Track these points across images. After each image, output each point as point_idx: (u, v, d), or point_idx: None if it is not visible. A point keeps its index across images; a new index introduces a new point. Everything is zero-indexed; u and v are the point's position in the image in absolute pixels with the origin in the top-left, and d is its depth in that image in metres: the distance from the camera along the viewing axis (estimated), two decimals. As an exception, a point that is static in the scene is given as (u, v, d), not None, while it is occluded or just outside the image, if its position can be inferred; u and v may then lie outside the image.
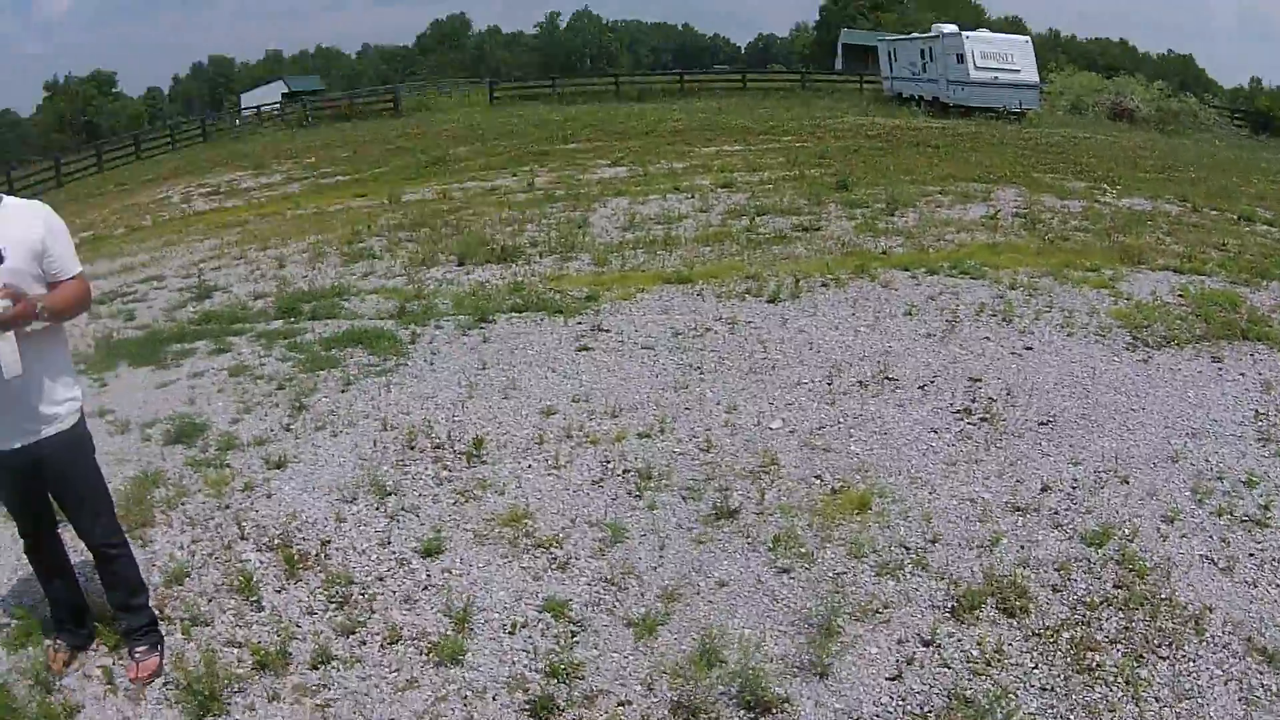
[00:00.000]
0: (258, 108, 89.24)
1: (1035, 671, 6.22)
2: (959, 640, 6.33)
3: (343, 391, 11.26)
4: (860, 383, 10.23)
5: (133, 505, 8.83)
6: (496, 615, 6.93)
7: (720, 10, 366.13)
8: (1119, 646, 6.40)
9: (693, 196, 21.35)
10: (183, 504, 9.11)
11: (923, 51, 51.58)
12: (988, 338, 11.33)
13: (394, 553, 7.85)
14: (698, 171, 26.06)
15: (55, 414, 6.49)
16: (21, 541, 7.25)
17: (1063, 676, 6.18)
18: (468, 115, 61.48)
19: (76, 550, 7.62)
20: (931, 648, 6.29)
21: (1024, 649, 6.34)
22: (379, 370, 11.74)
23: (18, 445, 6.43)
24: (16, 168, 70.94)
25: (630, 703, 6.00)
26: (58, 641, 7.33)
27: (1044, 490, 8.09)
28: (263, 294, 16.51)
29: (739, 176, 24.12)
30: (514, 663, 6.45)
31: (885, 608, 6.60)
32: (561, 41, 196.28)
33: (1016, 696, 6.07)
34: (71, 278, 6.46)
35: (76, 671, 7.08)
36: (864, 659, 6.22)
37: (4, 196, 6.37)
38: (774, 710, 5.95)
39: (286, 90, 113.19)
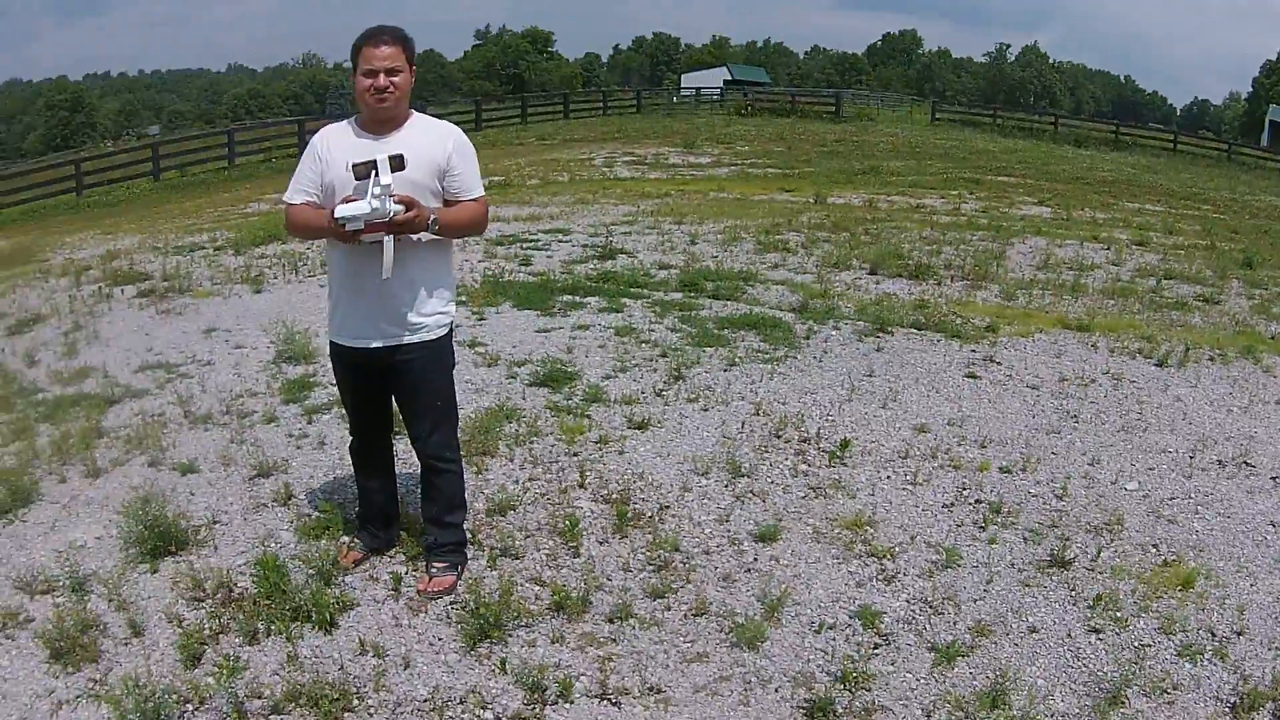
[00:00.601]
0: (697, 89, 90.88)
1: (1285, 786, 5.96)
2: None
3: (724, 370, 11.39)
4: (1220, 462, 9.86)
5: (479, 433, 9.15)
6: (808, 612, 6.88)
7: (1162, 68, 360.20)
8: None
9: (1108, 248, 20.94)
10: (530, 443, 9.42)
11: None
12: (1349, 440, 10.85)
13: (729, 531, 7.88)
14: (1118, 225, 25.62)
15: (422, 324, 6.73)
16: (350, 440, 7.53)
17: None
18: (907, 130, 62.22)
19: (404, 461, 7.97)
20: None
21: (1284, 760, 6.07)
22: (766, 357, 11.84)
23: (377, 345, 6.72)
24: (432, 104, 73.90)
25: (905, 724, 5.95)
26: (354, 540, 7.68)
27: (1355, 605, 7.72)
28: (668, 265, 16.91)
29: (1155, 237, 23.65)
30: (808, 660, 6.39)
31: (1174, 689, 6.36)
32: (1007, 73, 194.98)
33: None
34: (472, 199, 6.69)
35: (364, 573, 7.41)
36: None
37: (414, 112, 6.68)
38: (1038, 765, 5.86)
39: (729, 78, 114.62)
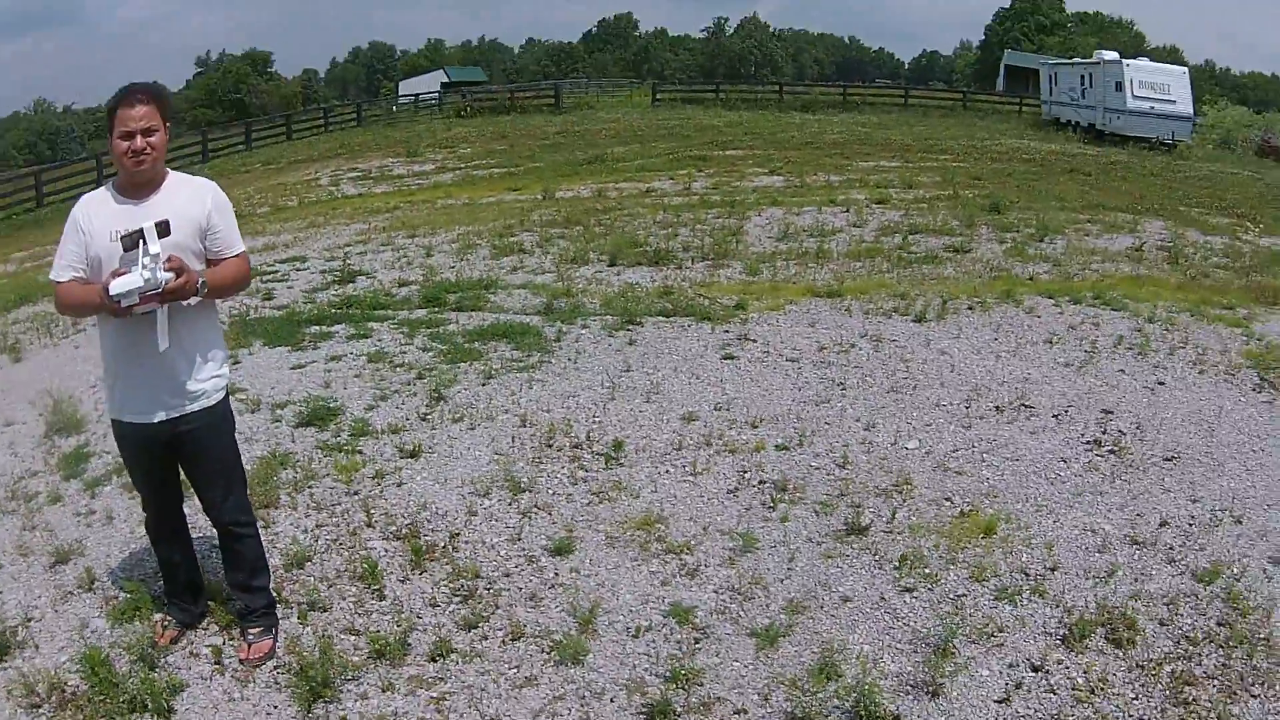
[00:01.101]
0: (416, 96, 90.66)
1: (1135, 703, 6.27)
2: (1066, 668, 6.44)
3: (483, 385, 11.44)
4: (997, 408, 10.31)
5: (258, 486, 8.99)
6: (621, 618, 7.05)
7: (886, 24, 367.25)
8: (1215, 682, 6.44)
9: (847, 211, 21.43)
10: (310, 487, 9.32)
11: (1083, 77, 52.06)
12: (1123, 370, 11.39)
13: (524, 549, 7.99)
14: (854, 186, 26.16)
15: (201, 390, 6.66)
16: (143, 515, 7.40)
17: (1160, 709, 6.23)
18: (628, 115, 62.19)
19: (196, 527, 7.78)
20: (1040, 674, 6.40)
21: (1127, 680, 6.42)
22: (521, 366, 11.89)
23: (160, 418, 6.61)
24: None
25: (746, 711, 6.11)
26: (166, 618, 7.52)
27: (1162, 525, 8.15)
28: (408, 282, 16.81)
29: (894, 193, 24.24)
30: (635, 666, 6.56)
31: (1000, 631, 6.72)
32: (727, 47, 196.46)
33: (1114, 725, 6.20)
34: (234, 255, 6.66)
35: (184, 650, 7.27)
36: (975, 681, 6.33)
37: (169, 171, 6.59)
38: (885, 727, 6.07)
39: (446, 80, 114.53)
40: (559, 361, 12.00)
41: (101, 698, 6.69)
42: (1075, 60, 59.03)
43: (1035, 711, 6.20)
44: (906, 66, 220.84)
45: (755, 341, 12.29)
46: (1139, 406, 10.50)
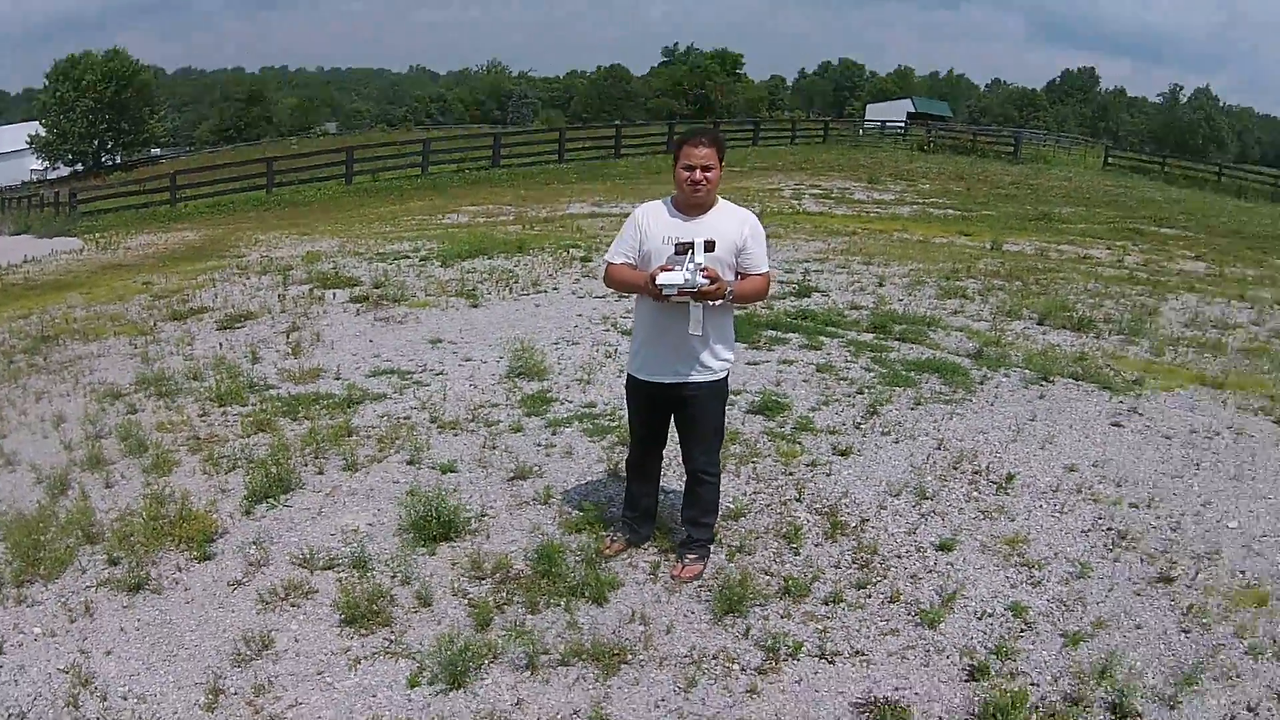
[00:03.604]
0: (883, 122, 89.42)
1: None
2: (1274, 715, 7.15)
3: (911, 409, 12.60)
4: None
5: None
6: (974, 604, 8.20)
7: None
8: None
9: (1251, 307, 21.01)
10: (753, 462, 10.73)
11: None
12: None
13: (915, 541, 9.22)
14: (1265, 283, 25.47)
15: (710, 366, 8.03)
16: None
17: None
18: (1079, 176, 60.54)
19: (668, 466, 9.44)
20: (1253, 713, 7.16)
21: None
22: (946, 399, 12.99)
23: (669, 381, 8.06)
24: (626, 124, 72.72)
25: (1039, 685, 7.24)
26: (616, 534, 8.99)
27: None
28: (859, 306, 18.27)
29: (1309, 298, 23.30)
30: (972, 638, 7.75)
31: (1238, 678, 7.53)
32: (1179, 117, 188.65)
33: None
34: (759, 274, 7.96)
35: (625, 560, 8.77)
36: (1204, 707, 7.14)
37: (720, 199, 7.94)
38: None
39: (912, 110, 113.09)
40: (978, 401, 12.96)
41: (545, 581, 8.26)
42: None
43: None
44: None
45: (1141, 415, 12.73)
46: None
